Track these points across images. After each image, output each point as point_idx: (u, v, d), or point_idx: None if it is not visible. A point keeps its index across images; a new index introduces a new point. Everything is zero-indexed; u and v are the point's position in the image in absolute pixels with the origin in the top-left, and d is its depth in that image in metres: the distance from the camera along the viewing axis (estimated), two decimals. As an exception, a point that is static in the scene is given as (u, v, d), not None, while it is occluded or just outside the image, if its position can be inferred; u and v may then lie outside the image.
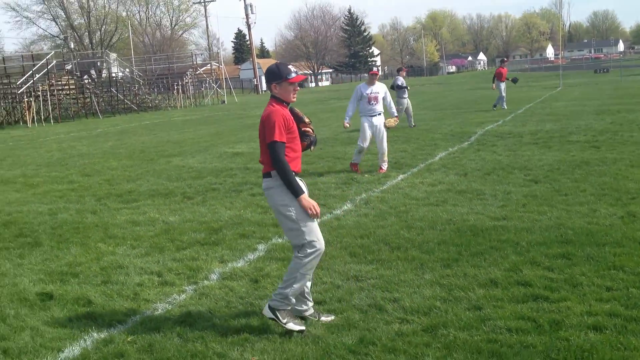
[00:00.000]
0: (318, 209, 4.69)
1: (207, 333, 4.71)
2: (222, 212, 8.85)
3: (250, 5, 77.10)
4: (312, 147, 5.12)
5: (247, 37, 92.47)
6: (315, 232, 4.70)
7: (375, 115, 11.45)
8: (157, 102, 50.08)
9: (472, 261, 5.91)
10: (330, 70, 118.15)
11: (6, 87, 39.29)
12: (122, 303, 5.46)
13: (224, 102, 55.31)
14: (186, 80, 53.71)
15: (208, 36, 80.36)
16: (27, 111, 35.91)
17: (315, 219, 4.71)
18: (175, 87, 51.73)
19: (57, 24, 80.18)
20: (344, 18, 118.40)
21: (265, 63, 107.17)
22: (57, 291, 5.83)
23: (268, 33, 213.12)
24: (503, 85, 24.25)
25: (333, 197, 9.39)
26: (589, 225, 6.84)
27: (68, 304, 5.51)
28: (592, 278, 5.23)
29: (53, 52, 47.34)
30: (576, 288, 5.05)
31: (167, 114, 40.08)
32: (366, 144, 11.50)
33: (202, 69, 61.59)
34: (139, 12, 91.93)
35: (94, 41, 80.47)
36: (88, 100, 43.25)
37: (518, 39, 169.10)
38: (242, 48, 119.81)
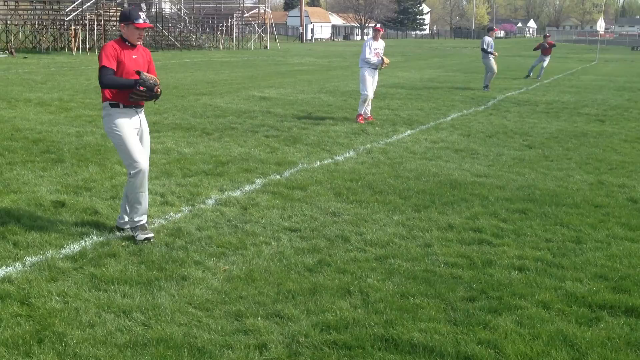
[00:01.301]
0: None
1: (190, 245, 5.41)
2: (233, 148, 9.52)
3: (304, -49, 76.44)
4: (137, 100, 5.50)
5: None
6: (134, 155, 5.47)
7: (376, 69, 12.43)
8: (200, 41, 50.71)
9: (441, 209, 6.51)
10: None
11: (55, 13, 40.26)
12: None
13: (266, 47, 55.69)
14: (232, 22, 54.14)
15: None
16: (72, 39, 36.92)
17: (138, 144, 5.50)
18: (220, 29, 52.22)
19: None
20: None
21: (314, 11, 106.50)
22: (70, 201, 6.58)
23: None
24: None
25: (339, 145, 9.97)
26: (558, 188, 7.40)
27: (77, 212, 6.25)
28: (537, 231, 5.84)
29: (104, -18, 48.05)
30: (519, 237, 5.66)
31: (208, 54, 40.74)
32: (370, 93, 12.34)
33: (250, 13, 61.86)
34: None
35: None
36: (134, 34, 44.01)
37: (570, 9, 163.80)
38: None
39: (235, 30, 55.19)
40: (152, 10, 57.92)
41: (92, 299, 4.35)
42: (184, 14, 53.81)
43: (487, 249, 5.36)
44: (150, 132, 10.62)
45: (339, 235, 5.70)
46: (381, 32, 12.46)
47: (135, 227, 5.63)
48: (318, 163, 8.60)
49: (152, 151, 9.08)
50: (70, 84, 18.53)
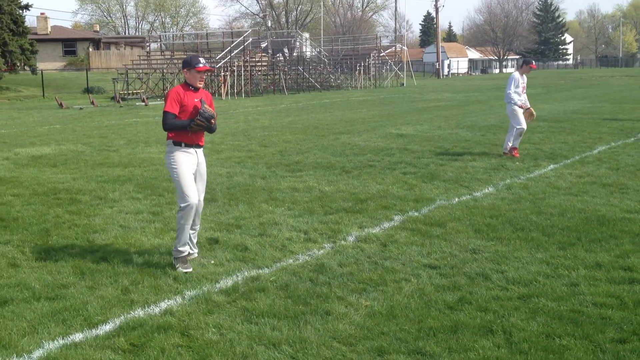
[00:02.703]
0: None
1: (333, 281, 5.62)
2: (372, 185, 9.73)
3: (440, -12, 76.78)
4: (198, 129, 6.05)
5: (435, 20, 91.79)
6: (186, 190, 6.01)
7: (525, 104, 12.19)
8: (339, 82, 52.10)
9: (587, 246, 6.28)
10: (517, 57, 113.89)
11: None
12: (272, 252, 6.54)
13: (402, 84, 56.10)
14: (369, 62, 55.20)
15: (396, 18, 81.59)
16: (222, 84, 39.30)
17: (192, 180, 6.06)
18: (358, 68, 53.38)
19: (257, 2, 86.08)
20: (538, 3, 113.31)
21: (451, 47, 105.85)
22: (223, 238, 7.07)
23: (457, 16, 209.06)
24: None
25: (478, 181, 9.88)
26: None
27: (229, 248, 6.71)
28: (695, 270, 5.43)
29: (250, 30, 50.91)
30: (675, 277, 5.31)
31: (346, 94, 41.76)
32: (525, 126, 12.13)
33: (386, 51, 62.79)
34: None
35: (289, 20, 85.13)
36: (277, 77, 46.21)
37: None
38: (429, 31, 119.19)
39: (372, 69, 56.16)
40: (294, 54, 60.48)
41: (245, 332, 4.65)
42: (323, 56, 55.63)
43: (638, 288, 5.11)
44: (294, 171, 11.26)
45: (480, 273, 5.67)
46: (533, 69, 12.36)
47: (177, 258, 6.09)
48: (456, 199, 8.59)
49: (295, 189, 9.56)
50: (220, 127, 19.72)
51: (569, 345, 4.20)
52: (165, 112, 5.96)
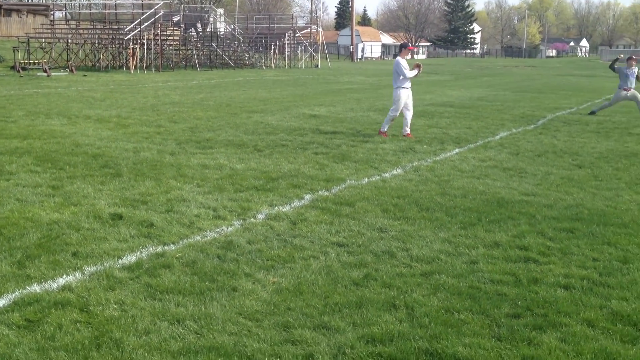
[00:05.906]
0: None
1: (242, 258, 5.59)
2: (283, 164, 9.73)
3: (355, -29, 77.23)
4: None
5: (350, 4, 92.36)
6: None
7: (410, 87, 12.96)
8: (253, 60, 51.60)
9: (487, 227, 6.55)
10: (428, 44, 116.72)
11: (115, 32, 41.56)
12: (179, 229, 6.41)
13: (317, 66, 56.26)
14: (284, 42, 54.95)
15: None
16: (131, 57, 38.05)
17: None
18: (273, 48, 53.05)
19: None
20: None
21: (365, 31, 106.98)
22: (127, 214, 6.87)
23: (372, 0, 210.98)
24: None
25: (387, 162, 10.08)
26: (606, 208, 7.37)
27: (134, 224, 6.53)
28: (584, 250, 5.84)
29: (162, 2, 49.44)
30: (566, 256, 5.68)
31: (260, 73, 41.45)
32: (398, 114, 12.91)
33: (302, 32, 62.69)
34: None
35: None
36: (189, 52, 45.22)
37: (624, 29, 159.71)
38: (344, 14, 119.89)
39: (287, 49, 55.95)
40: (207, 30, 59.30)
41: (148, 308, 4.56)
42: (238, 34, 54.89)
43: (533, 267, 5.40)
44: (204, 148, 11.08)
45: (386, 251, 5.80)
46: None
47: None
48: (366, 180, 8.73)
49: (205, 167, 9.42)
50: (128, 102, 19.17)
51: (466, 319, 4.38)
52: None
